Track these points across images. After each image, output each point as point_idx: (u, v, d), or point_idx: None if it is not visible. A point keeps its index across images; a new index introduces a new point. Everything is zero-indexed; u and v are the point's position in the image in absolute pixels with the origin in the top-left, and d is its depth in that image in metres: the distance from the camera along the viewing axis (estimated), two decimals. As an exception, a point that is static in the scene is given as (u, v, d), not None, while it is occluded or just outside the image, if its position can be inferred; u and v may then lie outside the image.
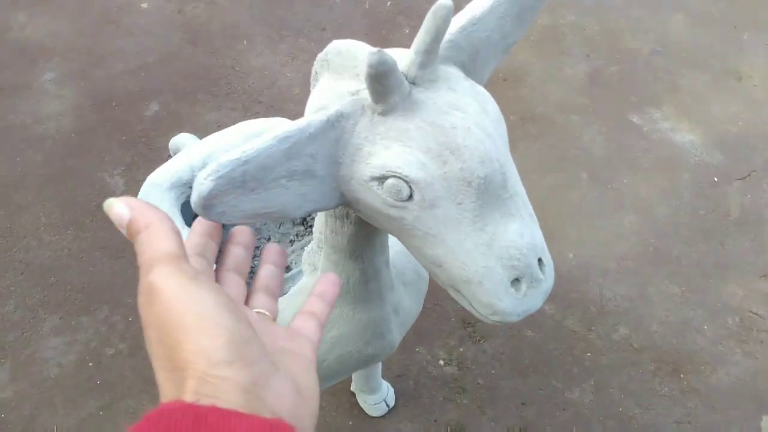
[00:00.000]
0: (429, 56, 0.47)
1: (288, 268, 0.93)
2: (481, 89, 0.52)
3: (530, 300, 0.51)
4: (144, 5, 2.48)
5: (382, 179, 0.48)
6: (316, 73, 0.56)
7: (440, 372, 1.58)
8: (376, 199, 0.50)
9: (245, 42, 2.34)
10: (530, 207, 0.52)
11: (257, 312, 0.43)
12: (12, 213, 1.83)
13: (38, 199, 1.87)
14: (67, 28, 2.38)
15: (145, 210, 0.37)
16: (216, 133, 1.06)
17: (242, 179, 0.45)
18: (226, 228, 0.47)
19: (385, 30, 2.41)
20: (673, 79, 2.28)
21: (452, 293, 0.54)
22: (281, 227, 1.03)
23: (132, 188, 1.89)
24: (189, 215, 0.99)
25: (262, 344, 0.36)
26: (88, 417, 1.50)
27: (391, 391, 1.51)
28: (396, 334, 0.87)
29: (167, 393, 0.34)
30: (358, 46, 0.53)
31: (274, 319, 0.45)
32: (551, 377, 1.58)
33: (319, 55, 0.55)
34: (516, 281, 0.50)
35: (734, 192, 1.96)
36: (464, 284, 0.51)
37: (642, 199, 1.94)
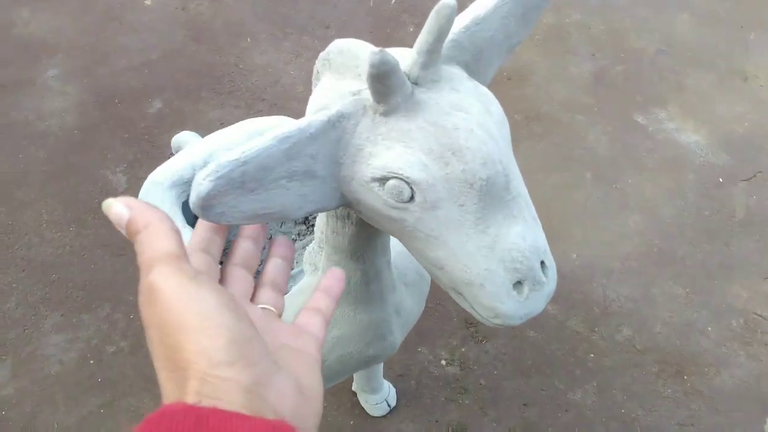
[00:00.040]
0: (432, 56, 0.47)
1: (290, 267, 0.92)
2: (485, 90, 0.51)
3: (532, 303, 0.51)
4: (147, 2, 2.47)
5: (383, 180, 0.48)
6: (318, 72, 0.56)
7: (442, 372, 1.57)
8: (377, 200, 0.49)
9: (249, 39, 2.34)
10: (533, 209, 0.52)
11: (262, 308, 0.43)
12: (14, 210, 1.83)
13: (40, 196, 1.87)
14: (70, 25, 2.37)
15: (144, 210, 0.37)
16: (218, 132, 1.05)
17: (241, 180, 0.44)
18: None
19: (389, 28, 2.40)
20: (678, 78, 2.27)
21: (453, 296, 0.54)
22: (283, 226, 1.02)
23: (134, 186, 1.89)
24: (190, 214, 0.99)
25: (264, 343, 0.35)
26: (88, 415, 1.49)
27: (393, 390, 1.50)
28: (397, 335, 0.86)
29: (169, 393, 0.33)
30: (360, 46, 0.52)
31: (280, 315, 0.44)
32: (554, 378, 1.57)
33: (321, 54, 0.55)
34: (518, 284, 0.50)
35: (739, 193, 1.95)
36: (466, 287, 0.50)
37: (647, 199, 1.93)
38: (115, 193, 1.84)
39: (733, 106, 2.19)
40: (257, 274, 0.46)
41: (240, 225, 0.47)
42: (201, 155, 1.00)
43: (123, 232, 0.38)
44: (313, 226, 0.99)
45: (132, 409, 1.50)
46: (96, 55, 2.27)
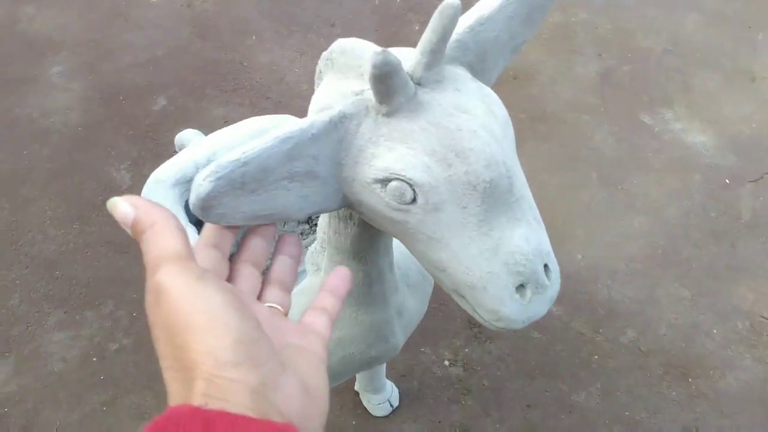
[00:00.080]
0: (435, 57, 0.46)
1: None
2: (489, 91, 0.50)
3: (535, 306, 0.50)
4: (153, -1, 2.47)
5: (385, 182, 0.47)
6: (321, 71, 0.55)
7: (445, 372, 1.56)
8: (378, 201, 0.48)
9: (254, 37, 2.33)
10: (537, 211, 0.51)
11: (269, 306, 0.43)
12: (18, 207, 1.83)
13: (44, 193, 1.87)
14: (75, 21, 2.37)
15: (150, 208, 0.37)
16: (222, 130, 1.05)
17: (242, 180, 0.44)
18: None
19: (394, 26, 2.39)
20: (685, 79, 2.25)
21: (456, 298, 0.53)
22: (285, 225, 1.02)
23: (138, 183, 1.88)
24: (193, 212, 0.98)
25: (271, 343, 0.35)
26: (91, 412, 1.49)
27: (396, 391, 1.50)
28: (400, 337, 0.86)
29: (175, 393, 0.33)
30: (363, 45, 0.51)
31: (287, 314, 0.44)
32: (557, 379, 1.56)
33: (324, 54, 0.54)
34: (521, 287, 0.49)
35: (746, 194, 1.94)
36: (468, 289, 0.50)
37: (652, 200, 1.91)
38: (118, 191, 1.85)
39: (741, 106, 2.17)
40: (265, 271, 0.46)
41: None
42: (204, 153, 1.00)
43: (128, 231, 0.37)
44: (316, 225, 0.99)
45: (134, 407, 1.50)
46: (101, 51, 2.27)
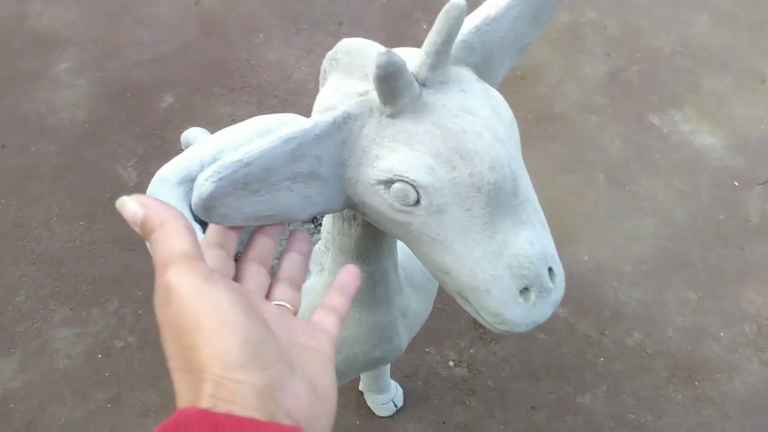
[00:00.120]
0: (440, 57, 0.46)
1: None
2: (494, 92, 0.50)
3: (539, 310, 0.50)
4: (161, -4, 2.47)
5: (388, 183, 0.47)
6: (325, 71, 0.55)
7: (450, 373, 1.56)
8: (382, 203, 0.48)
9: (261, 35, 2.33)
10: (542, 214, 0.51)
11: (278, 304, 0.43)
12: (25, 203, 1.84)
13: (51, 189, 1.87)
14: (83, 18, 2.38)
15: (159, 208, 0.37)
16: (227, 128, 1.05)
17: (244, 181, 0.43)
18: None
19: (402, 25, 2.39)
20: (694, 79, 2.24)
21: (459, 300, 0.53)
22: (290, 224, 1.01)
23: (145, 180, 1.89)
24: (198, 210, 0.98)
25: (278, 343, 0.35)
26: (95, 409, 1.50)
27: (400, 391, 1.49)
28: (404, 338, 0.85)
29: (183, 394, 0.33)
30: (368, 45, 0.51)
31: (296, 312, 0.44)
32: (562, 381, 1.56)
33: (329, 54, 0.54)
34: (525, 291, 0.49)
35: (755, 197, 1.92)
36: (472, 292, 0.49)
37: (660, 201, 1.90)
38: (125, 188, 1.85)
39: (750, 108, 2.16)
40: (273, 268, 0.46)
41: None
42: (210, 152, 1.00)
43: (137, 230, 0.37)
44: (320, 225, 0.98)
45: (139, 404, 1.50)
46: (108, 48, 2.27)
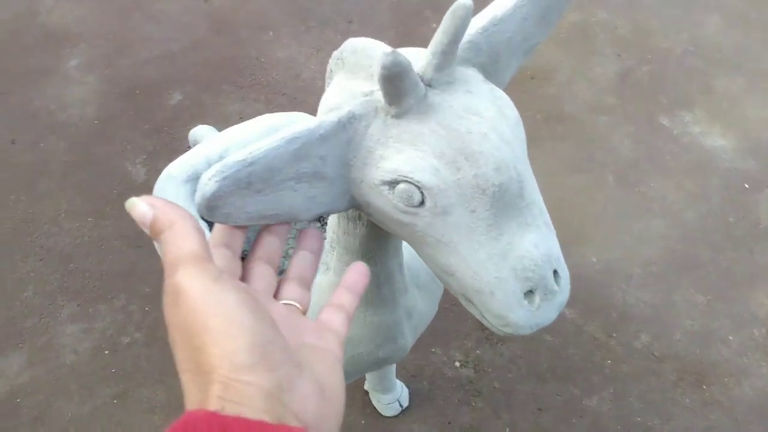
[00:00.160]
0: (446, 58, 0.45)
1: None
2: (501, 93, 0.49)
3: (543, 313, 0.49)
4: (171, -7, 2.48)
5: (393, 184, 0.46)
6: (331, 71, 0.54)
7: (456, 374, 1.55)
8: (386, 203, 0.48)
9: (271, 33, 2.33)
10: (547, 216, 0.50)
11: (286, 304, 0.43)
12: (34, 199, 1.85)
13: (60, 186, 1.88)
14: (93, 14, 2.39)
15: (168, 209, 0.37)
16: (235, 126, 1.05)
17: (248, 180, 0.43)
18: None
19: (412, 24, 2.38)
20: (706, 80, 2.22)
21: (464, 302, 0.53)
22: (297, 223, 1.01)
23: (153, 177, 1.88)
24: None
25: (286, 344, 0.35)
26: (102, 405, 1.50)
27: (405, 391, 1.49)
28: (408, 338, 0.85)
29: (191, 396, 0.33)
30: (374, 45, 0.51)
31: (305, 311, 0.44)
32: (569, 383, 1.55)
33: (335, 53, 0.53)
34: (530, 293, 0.49)
35: (765, 199, 1.91)
36: (476, 294, 0.49)
37: (670, 203, 1.89)
38: (134, 185, 1.85)
39: (763, 110, 2.14)
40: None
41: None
42: (217, 150, 1.00)
43: (147, 231, 0.38)
44: (326, 224, 0.98)
45: (145, 401, 1.51)
46: (118, 45, 2.28)
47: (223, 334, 0.33)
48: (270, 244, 0.46)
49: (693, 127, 2.08)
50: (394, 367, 1.40)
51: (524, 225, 0.48)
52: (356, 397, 1.50)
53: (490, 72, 0.52)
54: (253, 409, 0.31)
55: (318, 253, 0.47)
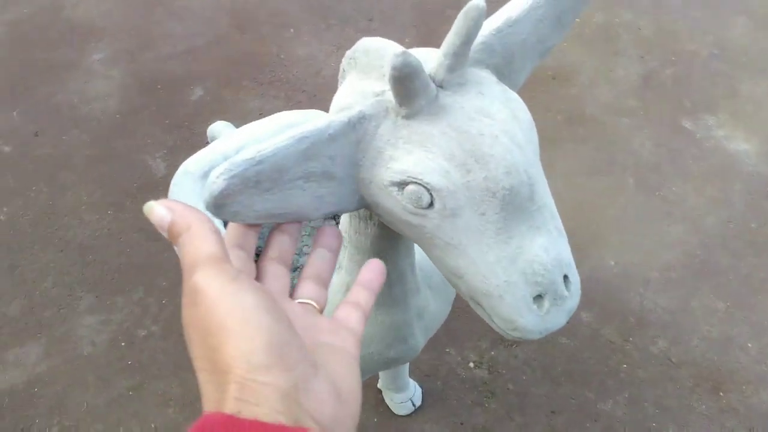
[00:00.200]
0: (458, 59, 0.45)
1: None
2: (514, 95, 0.49)
3: (553, 318, 0.49)
4: (195, -11, 2.49)
5: (402, 185, 0.46)
6: (344, 70, 0.54)
7: (470, 374, 1.55)
8: (395, 204, 0.48)
9: (292, 30, 2.34)
10: (559, 220, 0.50)
11: (302, 302, 0.43)
12: (56, 191, 1.87)
13: (82, 178, 1.90)
14: (118, 8, 2.41)
15: (185, 212, 0.38)
16: (253, 123, 1.05)
17: (256, 179, 0.43)
18: None
19: (433, 23, 2.38)
20: (731, 83, 2.19)
21: (473, 305, 0.52)
22: (310, 221, 1.01)
23: (173, 172, 1.88)
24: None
25: (302, 344, 0.35)
26: (118, 396, 1.52)
27: (419, 390, 1.49)
28: (419, 339, 0.85)
29: (208, 396, 0.34)
30: (386, 45, 0.50)
31: (322, 310, 0.44)
32: (584, 387, 1.54)
33: (348, 53, 0.53)
34: (539, 298, 0.48)
35: (789, 205, 1.88)
36: (485, 298, 0.49)
37: (691, 208, 1.87)
38: (154, 179, 1.87)
39: (788, 114, 2.10)
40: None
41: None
42: (234, 146, 1.00)
43: (165, 234, 0.38)
44: (338, 223, 0.98)
45: (160, 393, 1.52)
46: (141, 39, 2.30)
47: (240, 334, 0.33)
48: (282, 243, 0.46)
49: (716, 130, 2.05)
50: (407, 366, 1.39)
51: (534, 229, 0.47)
52: (369, 395, 1.50)
53: (503, 74, 0.52)
54: (270, 410, 0.31)
55: (336, 251, 0.47)
